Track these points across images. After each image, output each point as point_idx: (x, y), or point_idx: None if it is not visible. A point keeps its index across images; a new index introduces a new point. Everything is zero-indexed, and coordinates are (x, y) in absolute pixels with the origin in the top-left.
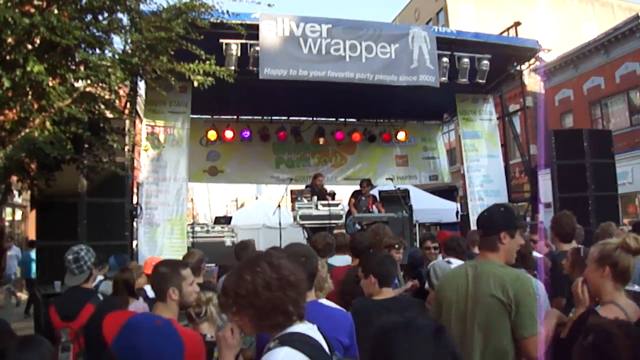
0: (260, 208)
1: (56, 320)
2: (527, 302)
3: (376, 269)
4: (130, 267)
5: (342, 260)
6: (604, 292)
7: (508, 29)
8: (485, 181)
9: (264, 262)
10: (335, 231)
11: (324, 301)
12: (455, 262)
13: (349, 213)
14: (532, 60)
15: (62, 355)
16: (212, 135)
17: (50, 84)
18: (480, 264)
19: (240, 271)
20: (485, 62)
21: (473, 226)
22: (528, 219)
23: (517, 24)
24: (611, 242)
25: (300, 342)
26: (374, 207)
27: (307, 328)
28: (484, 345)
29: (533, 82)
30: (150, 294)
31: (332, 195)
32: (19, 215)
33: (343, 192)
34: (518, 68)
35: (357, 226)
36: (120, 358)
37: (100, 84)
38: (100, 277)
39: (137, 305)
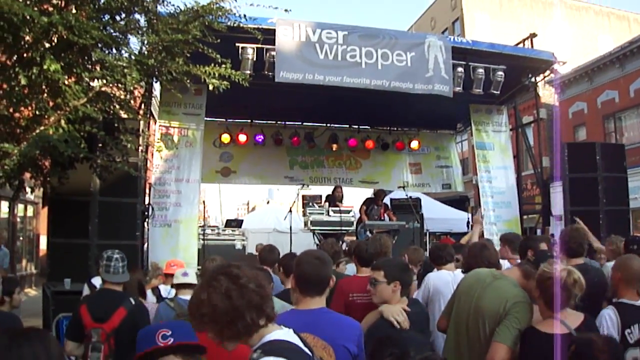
0: (272, 212)
1: (87, 320)
2: (512, 317)
3: (403, 276)
4: (151, 267)
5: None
6: (541, 310)
7: (524, 40)
8: (497, 192)
9: (221, 275)
10: (346, 238)
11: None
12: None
13: (359, 220)
14: (547, 72)
15: (92, 354)
16: (225, 138)
17: (66, 82)
18: (500, 277)
19: (199, 290)
20: (500, 72)
21: (486, 236)
22: (539, 231)
23: (532, 35)
24: (550, 270)
25: (283, 349)
26: (385, 215)
27: (284, 334)
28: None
29: (547, 94)
30: (164, 293)
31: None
32: (30, 211)
33: (357, 197)
34: (533, 80)
35: (368, 234)
36: None
37: (115, 84)
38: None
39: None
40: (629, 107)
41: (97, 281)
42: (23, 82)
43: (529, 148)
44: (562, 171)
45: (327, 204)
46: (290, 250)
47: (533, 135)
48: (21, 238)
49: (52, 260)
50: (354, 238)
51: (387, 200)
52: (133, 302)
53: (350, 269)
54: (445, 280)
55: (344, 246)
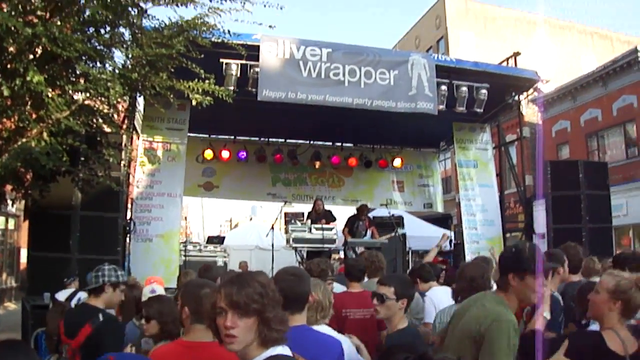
0: (254, 229)
1: (62, 335)
2: (492, 342)
3: (411, 293)
4: (131, 282)
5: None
6: (608, 320)
7: (507, 59)
8: (480, 210)
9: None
10: (334, 256)
11: (319, 327)
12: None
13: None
14: (531, 91)
15: None
16: (208, 154)
17: (50, 94)
18: (479, 297)
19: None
20: (484, 91)
21: (468, 255)
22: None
23: (516, 54)
24: (625, 276)
25: None
26: (369, 231)
27: (283, 349)
28: None
29: (530, 113)
30: None
31: (330, 213)
32: (11, 224)
33: (340, 215)
34: (516, 98)
35: (352, 252)
36: None
37: (99, 98)
38: (72, 289)
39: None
40: (612, 126)
41: (61, 296)
42: (6, 93)
43: (512, 166)
44: (545, 189)
45: (309, 221)
46: (272, 268)
47: (516, 153)
48: (2, 251)
49: (32, 274)
50: (341, 256)
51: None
52: (102, 319)
53: (337, 288)
54: (442, 295)
55: (336, 265)
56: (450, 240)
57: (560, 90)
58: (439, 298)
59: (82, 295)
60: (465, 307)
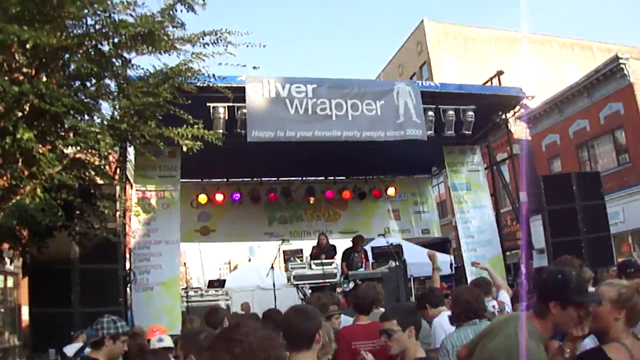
0: (254, 269)
1: None
2: None
3: (417, 320)
4: (136, 330)
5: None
6: (614, 331)
7: (491, 79)
8: (477, 232)
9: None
10: (338, 289)
11: None
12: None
13: (342, 273)
14: (517, 108)
15: None
16: (202, 198)
17: (40, 150)
18: (514, 319)
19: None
20: (470, 113)
21: (469, 278)
22: (522, 266)
23: (499, 73)
24: (624, 284)
25: None
26: (364, 263)
27: None
28: None
29: (519, 130)
30: None
31: (334, 248)
32: (10, 282)
33: (340, 247)
34: (503, 117)
35: (351, 284)
36: None
37: (89, 150)
38: (80, 344)
39: None
40: (601, 135)
41: (69, 350)
42: None
43: (506, 185)
44: (540, 204)
45: (308, 257)
46: (275, 306)
47: (508, 171)
48: (2, 310)
49: (35, 331)
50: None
51: (368, 247)
52: None
53: (344, 320)
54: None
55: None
56: (451, 264)
57: (547, 104)
58: (448, 322)
59: (88, 349)
60: (500, 325)
